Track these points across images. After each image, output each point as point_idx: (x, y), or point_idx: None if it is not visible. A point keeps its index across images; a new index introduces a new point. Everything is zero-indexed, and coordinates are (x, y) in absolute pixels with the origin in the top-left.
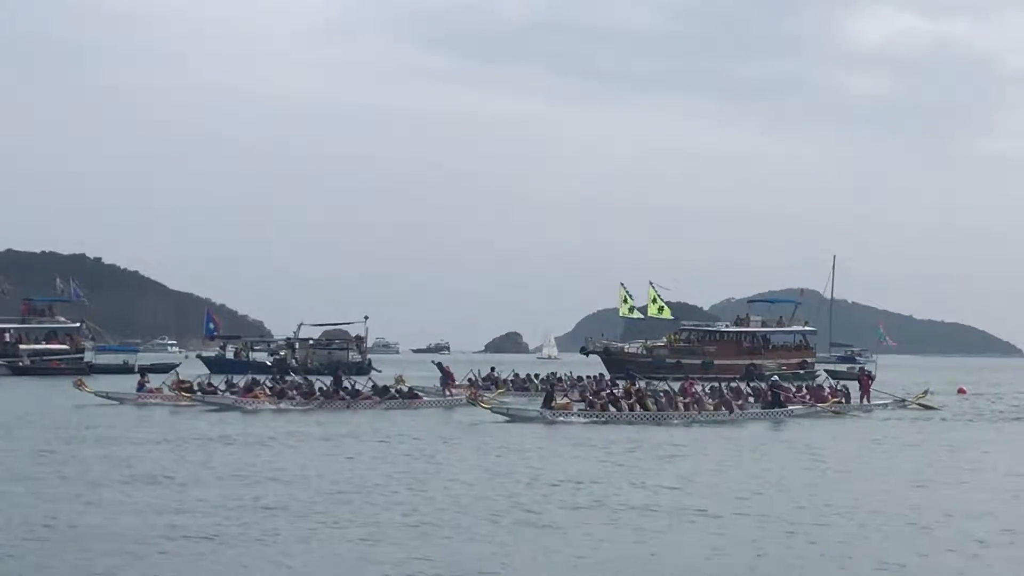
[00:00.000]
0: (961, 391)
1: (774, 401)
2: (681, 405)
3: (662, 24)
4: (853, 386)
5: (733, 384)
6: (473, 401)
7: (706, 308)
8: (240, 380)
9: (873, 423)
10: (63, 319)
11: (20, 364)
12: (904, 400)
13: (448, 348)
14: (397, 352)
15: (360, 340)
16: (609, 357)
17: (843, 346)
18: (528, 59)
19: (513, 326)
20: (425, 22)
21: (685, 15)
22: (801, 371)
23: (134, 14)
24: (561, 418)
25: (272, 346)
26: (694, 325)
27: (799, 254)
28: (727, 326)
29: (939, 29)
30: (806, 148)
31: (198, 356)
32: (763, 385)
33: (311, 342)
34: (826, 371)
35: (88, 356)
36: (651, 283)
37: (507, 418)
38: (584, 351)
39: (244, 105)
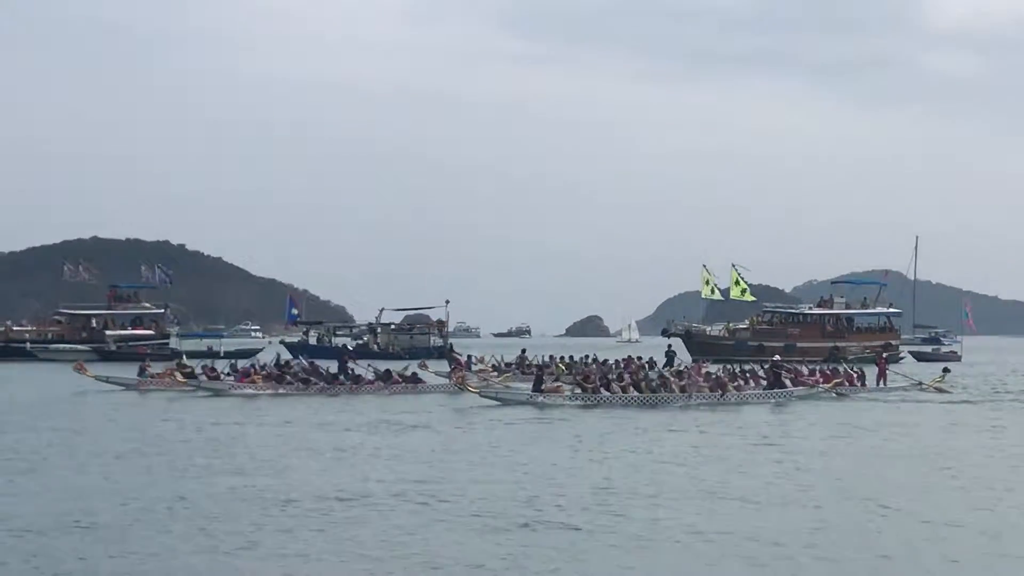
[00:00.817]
0: None
1: (774, 382)
2: (676, 388)
3: (743, 3)
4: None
5: (747, 367)
6: (460, 386)
7: (788, 290)
8: (242, 364)
9: (868, 405)
10: (148, 305)
11: (107, 349)
12: (921, 383)
13: (529, 332)
14: (478, 336)
15: (441, 324)
16: (690, 339)
17: (927, 328)
18: (609, 40)
19: (594, 310)
20: (507, 5)
21: None
22: (886, 354)
23: (219, 4)
24: (550, 401)
25: (354, 331)
26: (776, 307)
27: (883, 234)
28: (810, 308)
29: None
30: (889, 126)
31: (281, 342)
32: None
33: (393, 327)
34: (911, 353)
35: (172, 342)
36: (733, 265)
37: (497, 402)
38: (665, 333)
39: (326, 93)
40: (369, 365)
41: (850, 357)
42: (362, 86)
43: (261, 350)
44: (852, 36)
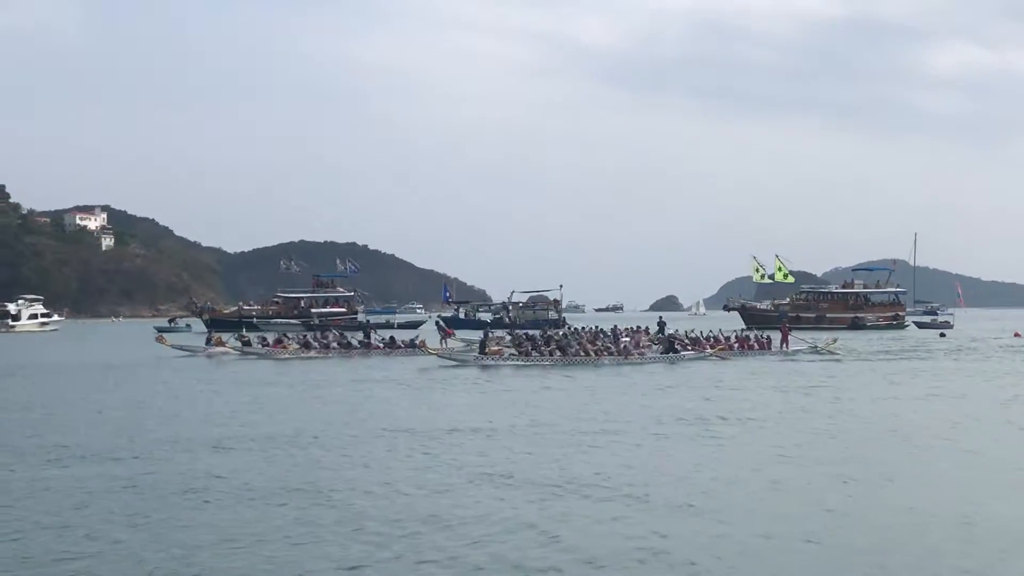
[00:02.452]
0: (1017, 335)
1: (669, 348)
2: (592, 351)
3: (779, 59)
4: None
5: (655, 334)
6: (423, 349)
7: (819, 275)
8: (270, 336)
9: (737, 366)
10: (342, 290)
11: (312, 323)
12: (816, 347)
13: (622, 307)
14: (583, 312)
15: (556, 303)
16: (745, 312)
17: (925, 303)
18: (679, 87)
19: (671, 290)
20: (602, 61)
21: (796, 51)
22: (894, 323)
23: (402, 66)
24: (492, 362)
25: (492, 308)
26: (811, 287)
27: (892, 230)
28: (836, 288)
29: (999, 59)
30: (894, 151)
31: (439, 316)
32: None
33: (520, 304)
34: (915, 322)
35: (360, 317)
36: (777, 256)
37: (453, 362)
38: (726, 308)
39: (473, 128)
40: (373, 334)
41: (868, 324)
42: (509, 122)
43: (423, 323)
44: (860, 82)
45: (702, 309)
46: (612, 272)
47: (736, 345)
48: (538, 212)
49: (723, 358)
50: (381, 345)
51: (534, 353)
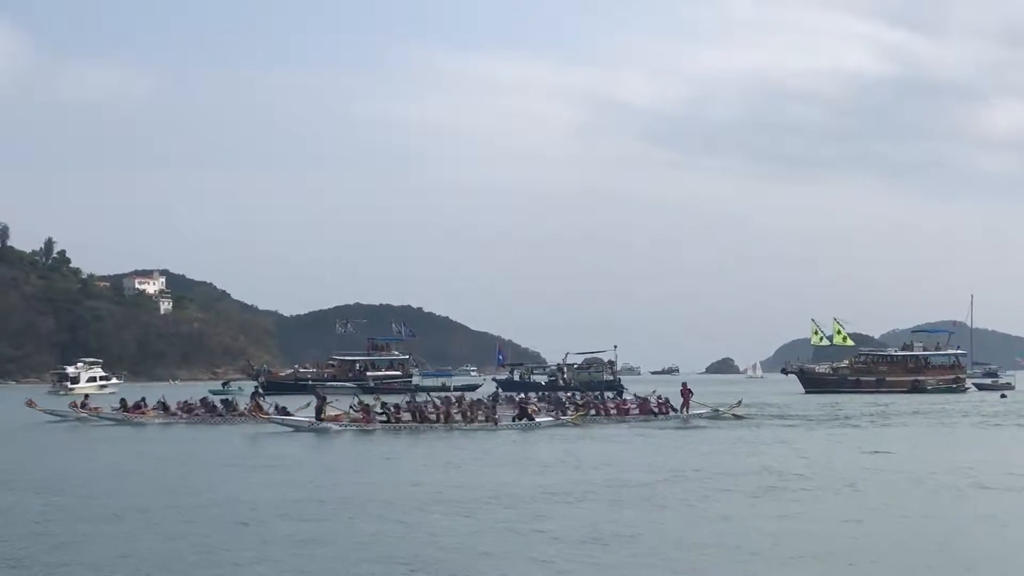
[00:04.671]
0: None
1: (521, 413)
2: (441, 416)
3: (831, 118)
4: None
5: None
6: (254, 415)
7: (876, 336)
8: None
9: (590, 433)
10: (397, 353)
11: (367, 386)
12: (719, 410)
13: (678, 370)
14: (639, 374)
15: (611, 364)
16: (804, 376)
17: (982, 364)
18: (730, 148)
19: (728, 352)
20: (652, 122)
21: (847, 111)
22: (955, 386)
23: (442, 130)
24: (326, 427)
25: (547, 370)
26: (870, 350)
27: (948, 291)
28: (896, 351)
29: None
30: (950, 210)
31: (493, 379)
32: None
33: (575, 366)
34: (975, 384)
35: (415, 379)
36: (835, 319)
37: (288, 428)
38: (784, 371)
39: (524, 189)
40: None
41: (928, 388)
42: (549, 187)
43: (479, 386)
44: (914, 141)
45: (759, 372)
46: (667, 334)
47: (634, 409)
48: (591, 273)
49: (578, 425)
50: (245, 411)
51: (380, 419)
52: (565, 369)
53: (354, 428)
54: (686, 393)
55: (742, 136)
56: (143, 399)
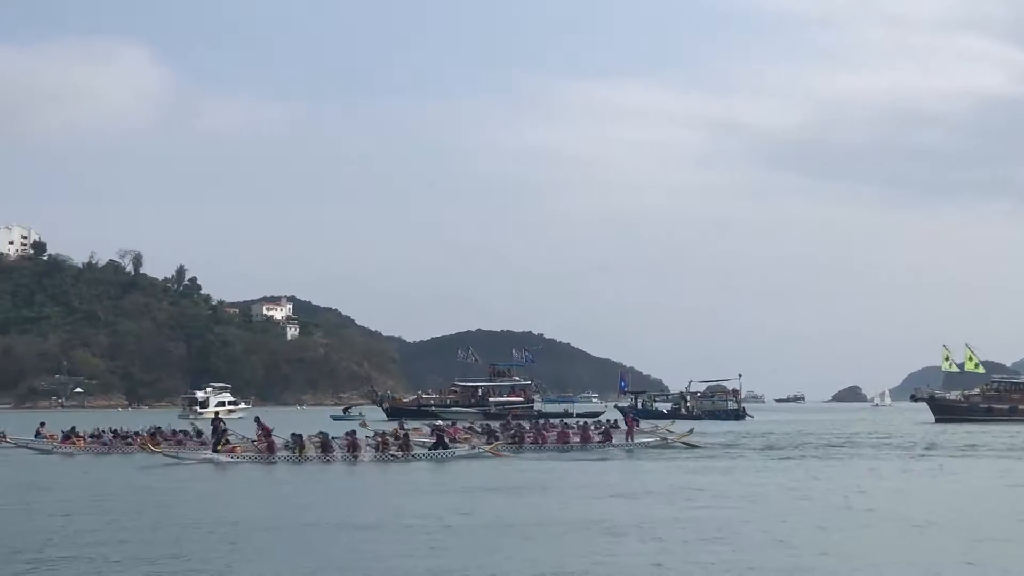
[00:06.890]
0: None
1: (438, 443)
2: (348, 448)
3: (962, 142)
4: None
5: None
6: (144, 447)
7: (1008, 364)
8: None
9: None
10: (518, 378)
11: (488, 412)
12: (667, 439)
13: (804, 398)
14: (763, 402)
15: (735, 392)
16: (934, 403)
17: None
18: (859, 172)
19: (855, 380)
20: (778, 148)
21: (978, 133)
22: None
23: (573, 157)
24: (223, 459)
25: (670, 398)
26: (1003, 378)
27: None
28: None
29: None
30: None
31: (615, 406)
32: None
33: (698, 394)
34: None
35: (537, 406)
36: (967, 345)
37: (176, 460)
38: (914, 398)
39: (647, 217)
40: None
41: None
42: (683, 210)
43: (602, 413)
44: None
45: (887, 400)
46: (794, 362)
47: (577, 437)
48: (716, 300)
49: (496, 454)
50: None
51: (283, 452)
52: (688, 397)
53: (248, 460)
54: (630, 421)
55: (872, 160)
56: (72, 428)
